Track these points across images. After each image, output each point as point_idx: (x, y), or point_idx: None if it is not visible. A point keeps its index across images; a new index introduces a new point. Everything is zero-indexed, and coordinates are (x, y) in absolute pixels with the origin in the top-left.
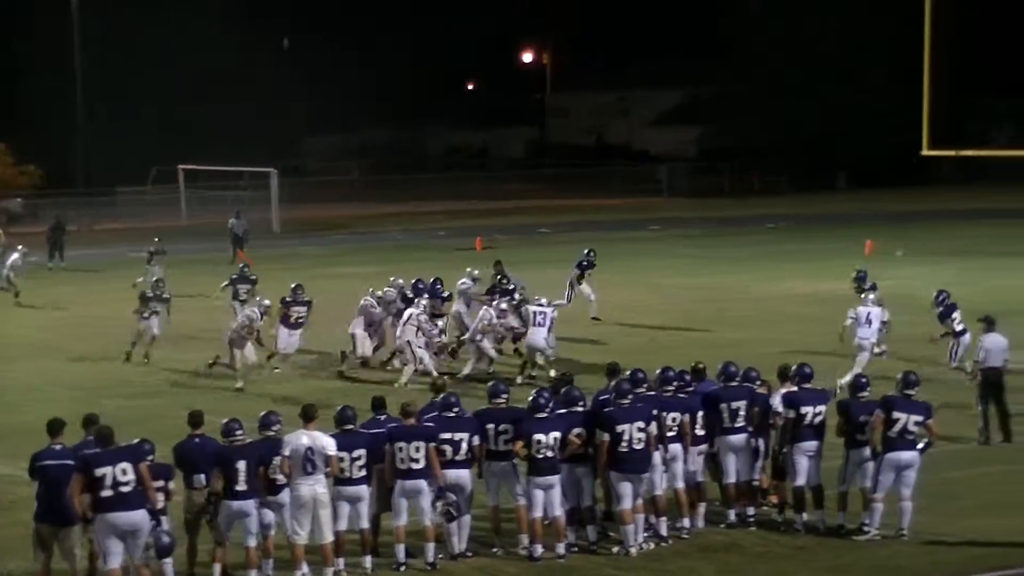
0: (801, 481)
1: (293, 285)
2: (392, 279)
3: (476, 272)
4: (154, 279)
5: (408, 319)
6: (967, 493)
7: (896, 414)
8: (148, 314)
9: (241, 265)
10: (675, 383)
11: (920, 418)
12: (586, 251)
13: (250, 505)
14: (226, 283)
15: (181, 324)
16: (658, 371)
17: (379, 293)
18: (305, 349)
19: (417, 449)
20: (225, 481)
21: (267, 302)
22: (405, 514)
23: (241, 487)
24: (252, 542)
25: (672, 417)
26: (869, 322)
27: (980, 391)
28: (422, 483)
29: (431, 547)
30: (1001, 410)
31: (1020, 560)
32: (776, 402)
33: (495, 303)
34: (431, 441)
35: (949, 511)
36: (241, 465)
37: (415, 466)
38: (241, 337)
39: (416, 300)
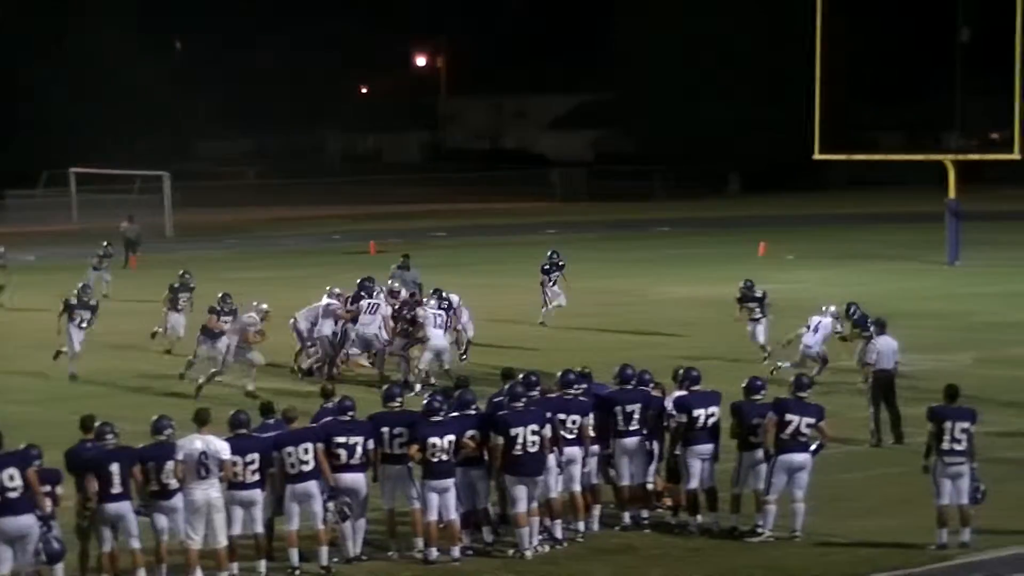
0: (694, 484)
1: (220, 294)
2: (329, 288)
3: (396, 285)
4: (81, 284)
5: (376, 309)
6: (859, 495)
7: (789, 416)
8: (81, 321)
9: (181, 272)
10: (575, 386)
11: (812, 420)
12: (548, 253)
13: (126, 507)
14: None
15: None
16: (559, 373)
17: (337, 290)
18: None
19: (306, 451)
20: (100, 484)
21: (264, 306)
22: (297, 518)
23: (116, 489)
24: (136, 544)
25: (572, 420)
26: (816, 330)
27: (872, 393)
28: (312, 485)
29: (324, 551)
30: (893, 412)
31: (910, 561)
32: (670, 405)
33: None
34: (319, 442)
35: (841, 512)
36: (114, 468)
37: (305, 468)
38: (244, 346)
39: (376, 292)
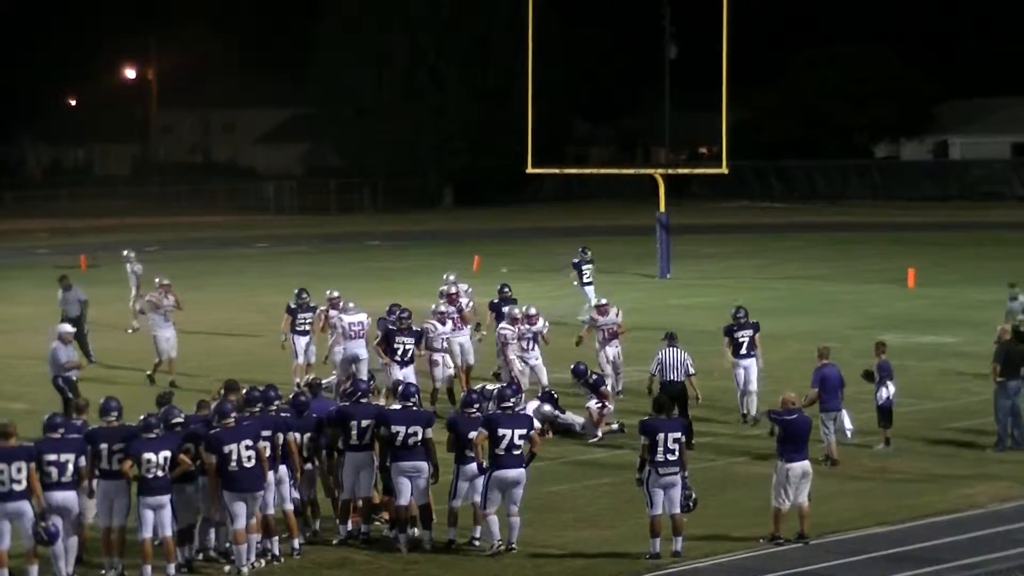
0: (404, 501)
1: (297, 291)
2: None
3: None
4: None
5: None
6: (572, 505)
7: (501, 431)
8: None
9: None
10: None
11: (524, 431)
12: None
13: None
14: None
15: None
16: (271, 391)
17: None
18: None
19: (19, 470)
20: None
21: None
22: (8, 537)
23: None
24: None
25: (293, 436)
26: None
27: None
28: (24, 504)
29: (34, 569)
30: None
31: (624, 570)
32: None
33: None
34: (32, 461)
35: (555, 523)
36: None
37: (17, 488)
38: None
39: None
